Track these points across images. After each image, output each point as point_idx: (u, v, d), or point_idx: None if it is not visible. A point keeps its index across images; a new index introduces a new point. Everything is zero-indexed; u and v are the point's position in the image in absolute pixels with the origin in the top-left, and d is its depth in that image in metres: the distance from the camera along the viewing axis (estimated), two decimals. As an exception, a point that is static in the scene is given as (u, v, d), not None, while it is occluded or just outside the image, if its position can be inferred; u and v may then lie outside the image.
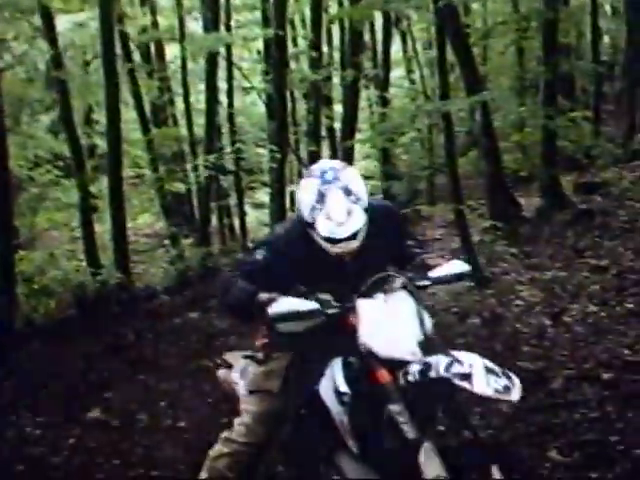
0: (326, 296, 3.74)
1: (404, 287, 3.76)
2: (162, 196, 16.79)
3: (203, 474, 4.22)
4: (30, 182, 17.18)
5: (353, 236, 3.76)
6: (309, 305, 3.66)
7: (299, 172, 18.21)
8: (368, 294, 3.73)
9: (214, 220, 17.97)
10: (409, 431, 3.49)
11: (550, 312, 8.30)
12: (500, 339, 7.68)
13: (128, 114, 17.80)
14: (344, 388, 3.69)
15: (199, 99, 18.40)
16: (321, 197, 3.73)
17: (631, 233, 10.79)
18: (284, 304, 3.64)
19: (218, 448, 4.19)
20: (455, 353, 3.48)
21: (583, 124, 16.58)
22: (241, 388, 4.33)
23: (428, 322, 3.69)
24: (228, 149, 17.04)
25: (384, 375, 3.56)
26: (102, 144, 17.46)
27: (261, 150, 18.30)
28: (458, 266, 3.95)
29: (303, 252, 3.88)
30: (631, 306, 7.84)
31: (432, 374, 3.42)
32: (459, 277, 3.93)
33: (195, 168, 15.93)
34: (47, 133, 19.07)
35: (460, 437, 3.56)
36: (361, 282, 3.76)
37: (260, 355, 4.21)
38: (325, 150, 17.36)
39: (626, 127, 17.31)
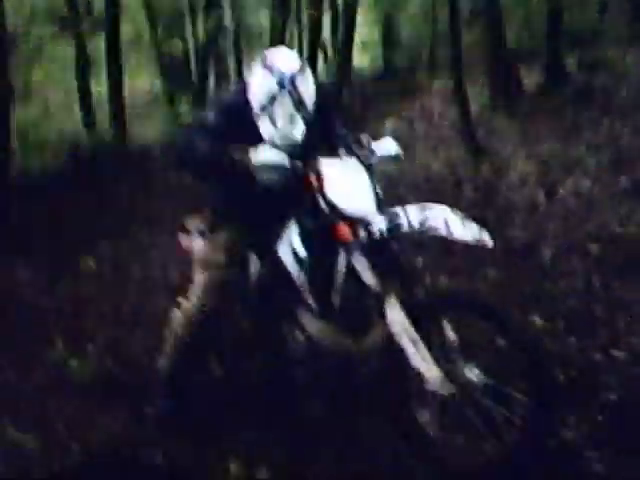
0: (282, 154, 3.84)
1: (354, 156, 3.98)
2: (160, 56, 16.56)
3: (169, 331, 4.43)
4: (26, 37, 16.89)
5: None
6: (283, 157, 3.76)
7: (299, 38, 17.90)
8: (327, 156, 3.91)
9: (212, 82, 17.77)
10: (372, 282, 3.68)
11: (544, 185, 8.29)
12: (493, 209, 7.69)
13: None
14: (299, 247, 3.92)
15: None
16: (272, 100, 3.89)
17: (631, 112, 10.70)
18: (265, 153, 3.75)
19: (176, 312, 4.39)
20: (422, 205, 3.67)
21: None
22: (194, 257, 4.42)
23: (378, 187, 3.88)
24: (228, 10, 16.71)
25: (345, 230, 3.70)
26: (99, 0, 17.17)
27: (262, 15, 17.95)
28: (393, 147, 4.16)
29: (251, 117, 3.98)
30: (625, 183, 7.83)
31: (404, 228, 3.59)
32: (396, 158, 4.17)
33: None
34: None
35: (414, 293, 3.70)
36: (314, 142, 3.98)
37: (203, 227, 4.29)
38: (326, 16, 17.02)
39: (632, 5, 16.99)
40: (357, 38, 15.42)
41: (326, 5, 16.59)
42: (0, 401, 4.72)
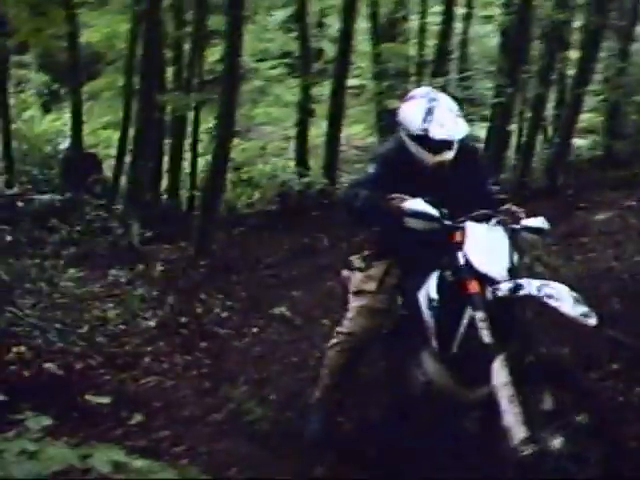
0: (442, 210, 4.24)
1: (501, 225, 4.27)
2: (379, 110, 16.77)
3: (324, 363, 4.90)
4: (255, 74, 17.49)
5: (453, 143, 4.44)
6: (434, 210, 4.19)
7: (521, 112, 17.71)
8: (476, 220, 4.24)
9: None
10: (487, 336, 3.91)
11: None
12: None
13: (361, 24, 17.76)
14: (434, 294, 4.27)
15: (434, 20, 18.12)
16: (430, 111, 4.44)
17: None
18: (417, 203, 4.18)
19: (333, 340, 4.85)
20: (544, 281, 4.01)
21: None
22: (350, 288, 4.90)
23: (515, 257, 4.20)
24: (454, 75, 16.77)
25: (474, 285, 4.03)
26: (329, 49, 17.61)
27: (488, 83, 17.91)
28: (541, 221, 4.39)
29: (406, 166, 4.46)
30: None
31: (523, 292, 3.91)
32: (540, 231, 4.38)
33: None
34: (279, 29, 19.29)
35: (527, 357, 3.95)
36: (457, 205, 4.27)
37: (362, 264, 4.79)
38: (552, 94, 16.79)
39: None
40: (579, 123, 15.08)
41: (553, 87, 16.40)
42: (182, 433, 4.84)
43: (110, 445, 2.78)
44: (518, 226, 4.34)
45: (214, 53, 15.70)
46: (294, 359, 6.21)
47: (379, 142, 16.82)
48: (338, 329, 4.87)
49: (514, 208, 4.43)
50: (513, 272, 4.11)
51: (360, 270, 4.81)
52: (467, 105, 18.82)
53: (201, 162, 14.37)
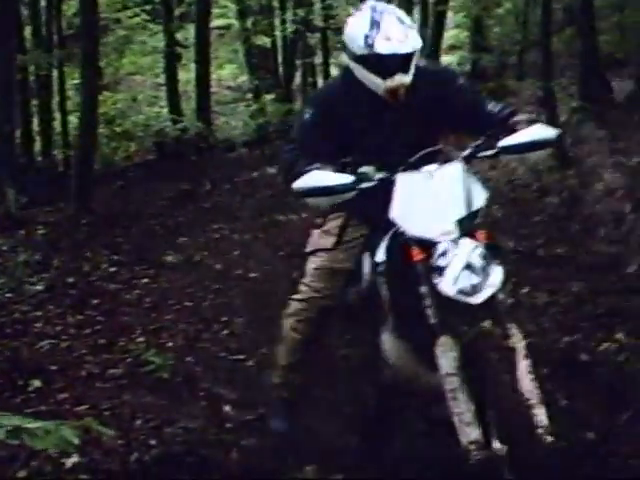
0: (368, 168, 3.47)
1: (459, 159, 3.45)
2: (247, 49, 16.64)
3: (280, 338, 4.19)
4: (117, 24, 17.11)
5: (407, 63, 3.61)
6: (340, 179, 3.39)
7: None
8: (415, 166, 3.46)
9: (298, 77, 17.80)
10: (431, 315, 3.20)
11: (631, 197, 8.12)
12: (577, 220, 7.56)
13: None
14: (380, 257, 3.57)
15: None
16: (376, 24, 3.62)
17: None
18: (312, 178, 3.38)
19: (287, 310, 4.15)
20: (460, 240, 3.17)
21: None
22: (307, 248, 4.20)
23: (478, 197, 3.35)
24: (318, 5, 16.72)
25: (416, 253, 3.27)
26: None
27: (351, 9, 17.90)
28: (536, 132, 3.42)
29: (353, 105, 3.73)
30: None
31: (434, 260, 3.16)
32: (534, 145, 3.41)
33: (283, 22, 15.72)
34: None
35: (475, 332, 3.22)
36: (410, 151, 3.51)
37: (319, 220, 4.07)
38: (416, 14, 16.90)
39: None
40: (445, 40, 15.29)
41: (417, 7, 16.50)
42: (82, 393, 4.80)
43: (6, 413, 2.74)
44: (492, 151, 3.44)
45: (71, 7, 15.30)
46: (187, 304, 6.21)
47: (250, 81, 16.75)
48: (293, 296, 4.15)
49: (517, 118, 3.55)
50: (468, 223, 3.25)
51: (317, 227, 4.10)
52: (334, 34, 18.86)
53: (73, 120, 14.04)
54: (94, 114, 10.33)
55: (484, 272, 3.08)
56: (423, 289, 3.22)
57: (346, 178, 3.39)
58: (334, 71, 19.45)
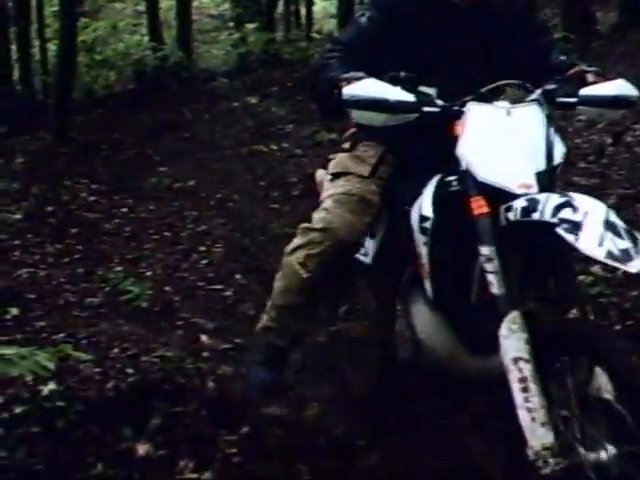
0: (429, 90, 2.99)
1: (536, 101, 2.87)
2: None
3: (278, 274, 3.51)
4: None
5: None
6: (401, 95, 2.83)
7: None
8: (487, 99, 2.88)
9: (280, 6, 17.57)
10: (497, 284, 2.63)
11: (612, 130, 8.11)
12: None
13: None
14: (427, 211, 2.98)
15: None
16: None
17: None
18: (368, 86, 2.82)
19: (295, 241, 3.42)
20: (574, 195, 2.56)
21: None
22: (322, 178, 3.62)
23: (558, 151, 2.80)
24: None
25: (480, 205, 2.68)
26: None
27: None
28: (620, 87, 2.96)
29: (412, 5, 3.18)
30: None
31: (535, 215, 2.53)
32: (617, 100, 2.95)
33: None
34: None
35: (559, 313, 2.73)
36: (473, 79, 2.94)
37: (347, 145, 3.48)
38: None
39: None
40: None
41: None
42: (60, 321, 4.81)
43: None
44: (574, 99, 2.91)
45: None
46: (166, 234, 6.20)
47: (232, 9, 16.53)
48: (305, 225, 3.39)
49: (583, 68, 3.05)
50: (547, 178, 2.68)
51: (344, 151, 3.47)
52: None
53: (52, 47, 13.86)
54: (73, 41, 10.19)
55: (630, 236, 2.43)
56: (486, 250, 2.64)
57: (406, 96, 2.84)
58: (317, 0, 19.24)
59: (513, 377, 2.50)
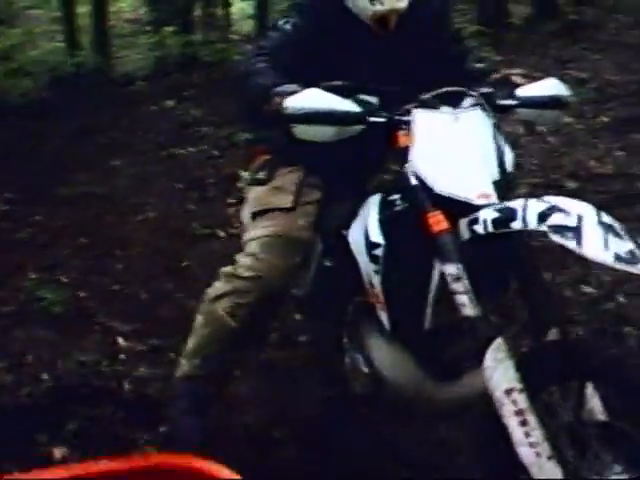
0: (371, 98, 2.87)
1: (479, 105, 2.73)
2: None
3: (199, 319, 3.29)
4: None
5: None
6: (346, 105, 2.63)
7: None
8: (430, 105, 2.72)
9: (198, 9, 17.49)
10: (469, 306, 2.40)
11: (524, 120, 8.23)
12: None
13: None
14: (377, 238, 2.77)
15: None
16: None
17: (617, 47, 10.61)
18: (312, 97, 2.60)
19: (217, 286, 3.23)
20: (553, 198, 2.39)
21: None
22: (245, 218, 3.38)
23: (509, 156, 2.66)
24: None
25: (440, 221, 2.48)
26: None
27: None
28: (554, 86, 2.94)
29: (338, 24, 3.04)
30: (607, 119, 7.80)
31: (516, 224, 2.33)
32: (554, 100, 2.91)
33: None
34: None
35: (542, 332, 2.48)
36: (409, 86, 2.81)
37: (262, 174, 3.28)
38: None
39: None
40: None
41: None
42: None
43: None
44: (513, 101, 2.85)
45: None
46: (82, 241, 6.13)
47: (149, 12, 16.41)
48: (228, 270, 3.17)
49: (512, 71, 3.08)
50: (503, 185, 2.54)
51: (260, 183, 3.26)
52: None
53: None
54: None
55: (628, 236, 2.26)
56: (452, 269, 2.43)
57: (352, 106, 2.67)
58: (236, 1, 19.18)
59: (508, 411, 2.28)
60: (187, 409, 3.23)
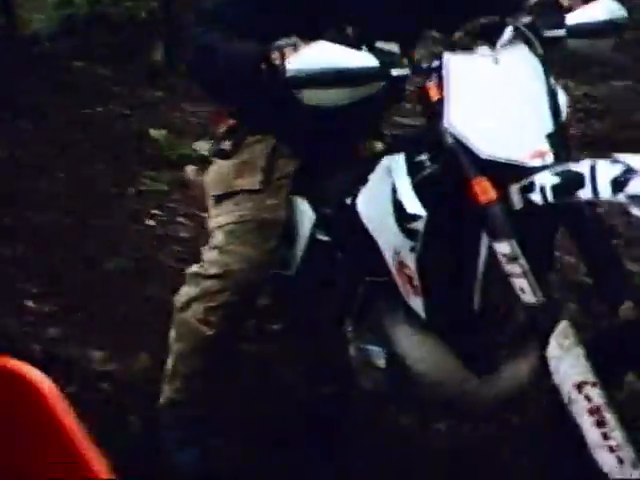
0: (389, 45, 2.43)
1: (522, 39, 2.30)
2: None
3: (172, 334, 2.95)
4: None
5: None
6: (362, 58, 2.17)
7: None
8: (463, 46, 2.35)
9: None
10: (528, 289, 2.04)
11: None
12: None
13: None
14: (415, 208, 2.26)
15: None
16: None
17: None
18: (318, 53, 2.13)
19: (185, 291, 2.87)
20: (627, 157, 1.94)
21: None
22: (208, 199, 2.94)
23: (562, 99, 2.22)
24: None
25: (486, 189, 2.10)
26: None
27: None
28: (608, 7, 2.44)
29: None
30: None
31: (584, 193, 1.94)
32: (609, 25, 2.42)
33: None
34: None
35: (613, 315, 2.08)
36: (424, 24, 2.40)
37: (226, 145, 2.84)
38: None
39: None
40: None
41: None
42: None
43: None
44: (562, 31, 2.33)
45: None
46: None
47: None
48: (195, 270, 2.81)
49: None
50: (559, 139, 2.10)
51: (225, 156, 2.81)
52: None
53: None
54: None
55: None
56: (505, 247, 2.05)
57: (369, 59, 2.21)
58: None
59: (580, 409, 1.92)
60: (182, 440, 2.93)
